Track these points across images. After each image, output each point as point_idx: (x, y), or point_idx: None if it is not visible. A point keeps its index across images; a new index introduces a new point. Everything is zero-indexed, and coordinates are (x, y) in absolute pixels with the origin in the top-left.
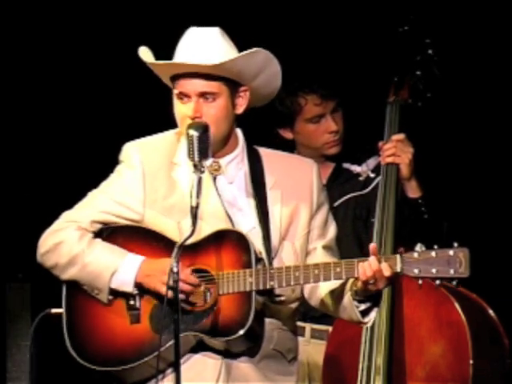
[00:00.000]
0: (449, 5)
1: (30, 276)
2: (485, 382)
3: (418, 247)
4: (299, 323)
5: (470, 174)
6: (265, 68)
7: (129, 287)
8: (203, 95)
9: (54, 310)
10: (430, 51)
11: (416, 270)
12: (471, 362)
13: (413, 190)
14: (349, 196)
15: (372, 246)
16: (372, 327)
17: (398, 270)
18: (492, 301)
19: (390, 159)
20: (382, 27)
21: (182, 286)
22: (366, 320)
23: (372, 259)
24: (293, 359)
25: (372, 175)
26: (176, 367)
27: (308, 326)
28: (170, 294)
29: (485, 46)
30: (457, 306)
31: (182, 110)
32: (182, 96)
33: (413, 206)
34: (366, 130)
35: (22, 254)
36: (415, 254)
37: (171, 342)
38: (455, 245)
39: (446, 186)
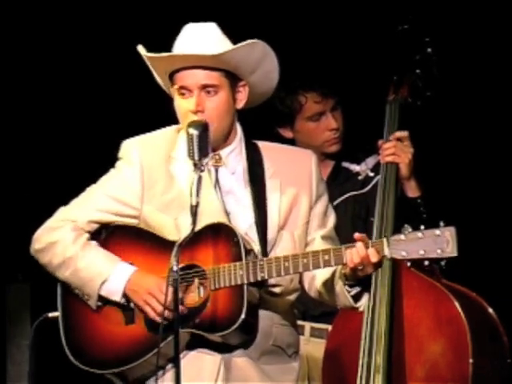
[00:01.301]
0: (448, 3)
1: (29, 277)
2: (484, 381)
3: (405, 229)
4: (299, 322)
5: (470, 173)
6: (262, 62)
7: (117, 297)
8: (204, 88)
9: (51, 314)
10: (429, 50)
11: (404, 253)
12: (471, 360)
13: (412, 190)
14: (348, 195)
15: (356, 234)
16: (372, 325)
17: (386, 253)
18: (492, 299)
19: (389, 158)
20: (381, 26)
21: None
22: (358, 305)
23: (359, 245)
24: (294, 353)
25: (371, 174)
26: (176, 365)
27: (307, 325)
28: (153, 315)
29: (484, 45)
30: (456, 304)
31: (184, 104)
32: (184, 91)
33: (412, 206)
34: (366, 128)
35: (21, 255)
36: (402, 236)
37: (168, 340)
38: (441, 224)
39: (446, 186)
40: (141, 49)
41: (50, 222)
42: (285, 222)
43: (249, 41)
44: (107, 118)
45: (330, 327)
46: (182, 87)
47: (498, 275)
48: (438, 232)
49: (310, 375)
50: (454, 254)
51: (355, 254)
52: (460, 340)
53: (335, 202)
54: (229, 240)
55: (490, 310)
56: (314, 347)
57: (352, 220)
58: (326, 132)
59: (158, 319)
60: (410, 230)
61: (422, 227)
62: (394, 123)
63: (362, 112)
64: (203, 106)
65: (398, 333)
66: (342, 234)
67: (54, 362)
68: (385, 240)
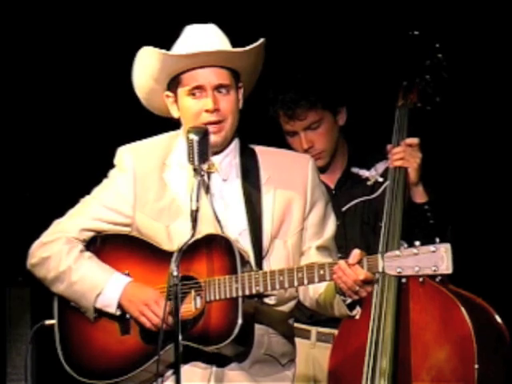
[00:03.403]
0: (458, 9)
1: (30, 280)
2: None
3: (400, 245)
4: (305, 326)
5: (478, 178)
6: (260, 62)
7: (112, 309)
8: (218, 87)
9: (47, 322)
10: (439, 55)
11: (398, 269)
12: (476, 366)
13: (420, 196)
14: (357, 200)
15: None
16: (378, 330)
17: (380, 269)
18: (497, 305)
19: (398, 163)
20: (391, 31)
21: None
22: (353, 313)
23: (342, 263)
24: (288, 362)
25: (380, 180)
26: (176, 373)
27: (314, 330)
28: (149, 325)
29: (494, 51)
30: (462, 310)
31: (195, 105)
32: (196, 91)
33: (419, 212)
34: (375, 134)
35: (22, 258)
36: (397, 252)
37: (165, 350)
38: (437, 240)
39: (454, 191)
40: (150, 49)
41: (43, 237)
42: (278, 230)
43: (261, 40)
44: (105, 126)
45: (336, 332)
46: (196, 87)
47: (505, 281)
48: (433, 248)
49: (316, 380)
50: (449, 271)
51: (339, 272)
52: (465, 345)
53: (344, 208)
54: (225, 252)
55: (496, 316)
56: (320, 352)
57: (360, 226)
58: (300, 149)
59: (155, 329)
60: (406, 246)
61: (418, 243)
62: (403, 129)
63: (371, 117)
64: (219, 104)
65: (403, 337)
66: (351, 240)
67: (51, 369)
68: (379, 256)
